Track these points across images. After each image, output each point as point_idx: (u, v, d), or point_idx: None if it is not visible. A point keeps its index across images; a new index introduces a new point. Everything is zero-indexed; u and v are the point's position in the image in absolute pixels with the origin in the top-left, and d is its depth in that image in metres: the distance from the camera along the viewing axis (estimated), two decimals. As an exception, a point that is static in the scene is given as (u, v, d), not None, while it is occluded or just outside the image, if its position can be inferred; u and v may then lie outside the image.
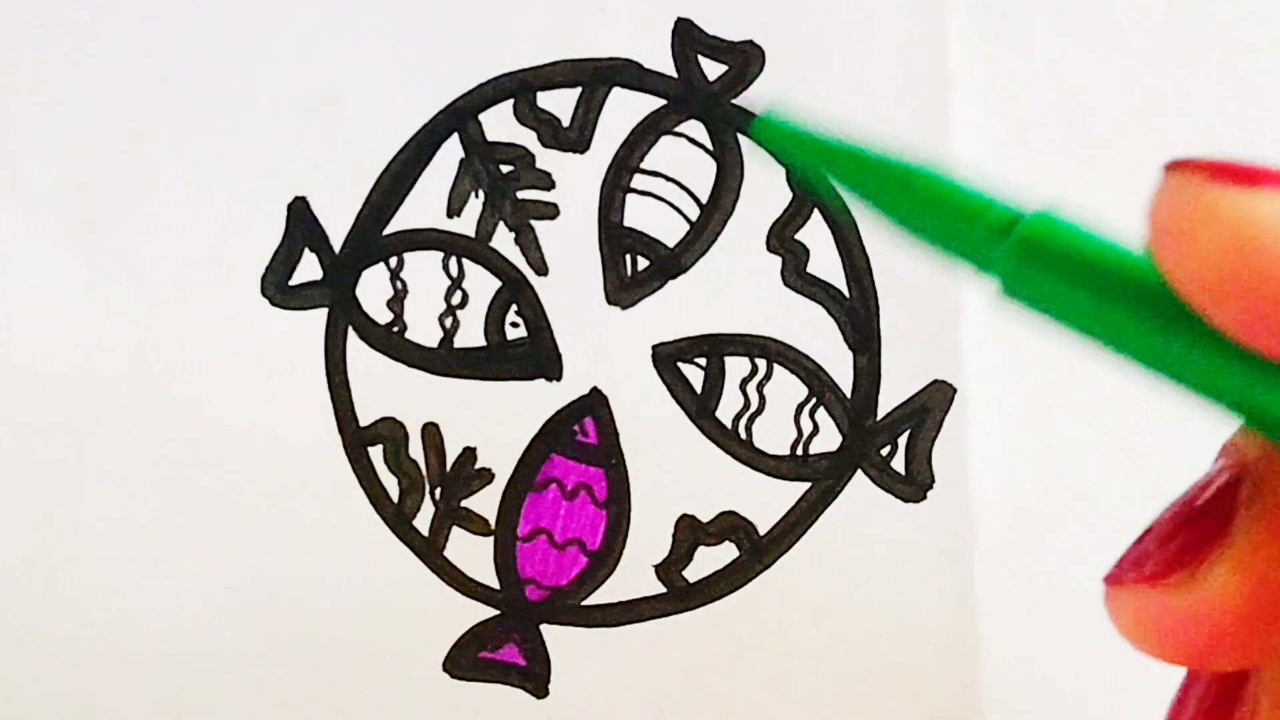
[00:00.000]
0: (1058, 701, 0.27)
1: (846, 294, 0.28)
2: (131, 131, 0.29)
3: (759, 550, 0.28)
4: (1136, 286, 0.15)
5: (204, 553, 0.29)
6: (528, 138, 0.29)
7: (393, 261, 0.29)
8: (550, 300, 0.28)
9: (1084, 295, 0.17)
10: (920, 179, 0.23)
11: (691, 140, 0.28)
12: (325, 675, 0.28)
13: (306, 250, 0.29)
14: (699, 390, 0.28)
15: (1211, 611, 0.14)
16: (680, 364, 0.28)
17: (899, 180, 0.23)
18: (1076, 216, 0.19)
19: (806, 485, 0.28)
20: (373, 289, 0.29)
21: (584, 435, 0.28)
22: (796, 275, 0.28)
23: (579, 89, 0.28)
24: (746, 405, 0.28)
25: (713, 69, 0.28)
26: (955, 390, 0.28)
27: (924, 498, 0.28)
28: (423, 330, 0.29)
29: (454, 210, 0.29)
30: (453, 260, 0.29)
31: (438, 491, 0.29)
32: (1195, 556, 0.14)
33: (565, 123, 0.29)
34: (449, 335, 0.29)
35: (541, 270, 0.29)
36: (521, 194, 0.29)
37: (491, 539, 0.29)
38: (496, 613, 0.29)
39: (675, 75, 0.28)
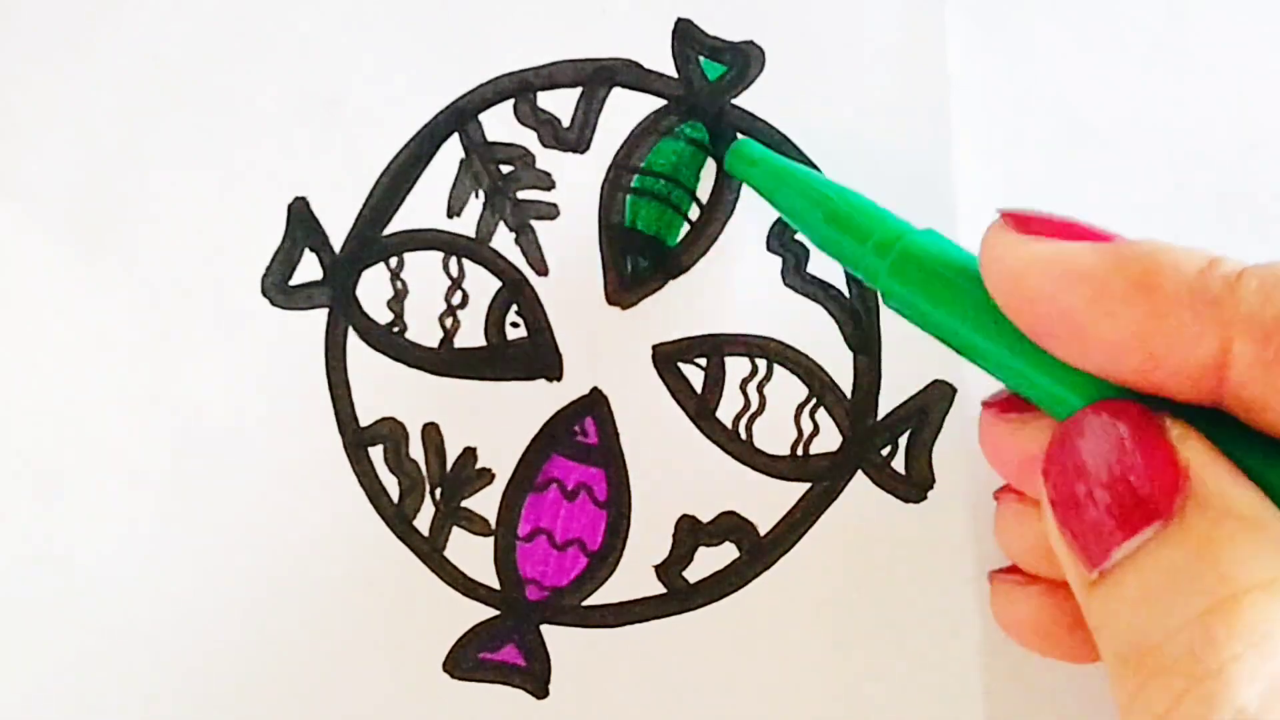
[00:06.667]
0: (1058, 701, 0.27)
1: (846, 294, 0.28)
2: (131, 132, 0.29)
3: (759, 550, 0.28)
4: (977, 300, 0.19)
5: (203, 552, 0.29)
6: (528, 138, 0.29)
7: (393, 261, 0.29)
8: (550, 300, 0.28)
9: (940, 306, 0.20)
10: (829, 200, 0.24)
11: (691, 140, 0.28)
12: (325, 675, 0.28)
13: (306, 250, 0.29)
14: (699, 390, 0.28)
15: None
16: (680, 364, 0.28)
17: (814, 199, 0.25)
18: (947, 240, 0.21)
19: (806, 485, 0.28)
20: (373, 289, 0.29)
21: (584, 435, 0.28)
22: (796, 275, 0.28)
23: (579, 89, 0.29)
24: (746, 405, 0.28)
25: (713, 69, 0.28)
26: (955, 390, 0.28)
27: (924, 498, 0.28)
28: (423, 330, 0.29)
29: (454, 210, 0.29)
30: (453, 260, 0.29)
31: (438, 491, 0.29)
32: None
33: (565, 123, 0.29)
34: (449, 335, 0.29)
35: (541, 270, 0.29)
36: (521, 194, 0.29)
37: (491, 539, 0.29)
38: (496, 613, 0.29)
39: (675, 75, 0.28)
